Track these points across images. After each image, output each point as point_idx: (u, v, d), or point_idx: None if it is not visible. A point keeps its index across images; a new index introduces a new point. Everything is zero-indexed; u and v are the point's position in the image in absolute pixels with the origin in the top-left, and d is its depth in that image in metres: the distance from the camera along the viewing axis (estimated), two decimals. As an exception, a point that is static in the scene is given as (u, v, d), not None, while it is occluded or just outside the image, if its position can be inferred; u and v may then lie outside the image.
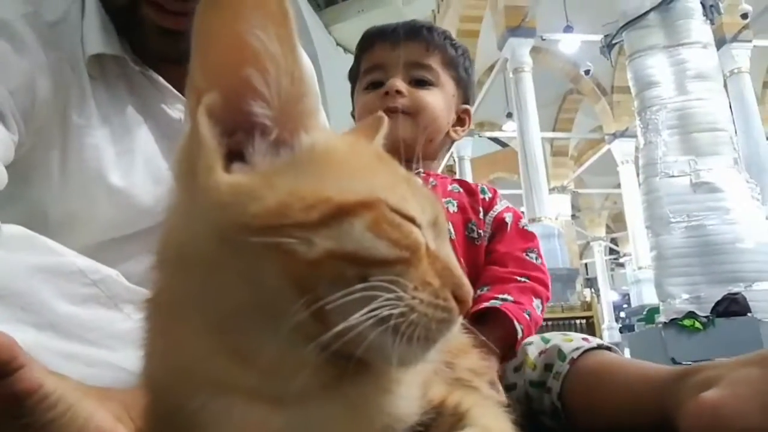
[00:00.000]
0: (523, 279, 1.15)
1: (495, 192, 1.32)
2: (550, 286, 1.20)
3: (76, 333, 1.00)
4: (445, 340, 0.48)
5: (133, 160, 1.14)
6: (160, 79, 1.14)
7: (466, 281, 0.48)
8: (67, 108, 1.08)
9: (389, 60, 1.27)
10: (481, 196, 1.29)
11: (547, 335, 1.06)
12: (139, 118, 1.15)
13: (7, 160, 1.01)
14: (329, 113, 1.56)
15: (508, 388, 1.00)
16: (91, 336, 1.02)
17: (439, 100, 1.27)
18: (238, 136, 0.48)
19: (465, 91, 1.35)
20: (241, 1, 0.46)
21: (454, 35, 1.38)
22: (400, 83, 1.22)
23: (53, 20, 1.06)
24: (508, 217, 1.26)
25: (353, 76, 1.39)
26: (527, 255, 1.21)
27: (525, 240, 1.24)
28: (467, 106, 1.36)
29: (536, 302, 1.14)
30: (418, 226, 0.48)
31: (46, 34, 1.05)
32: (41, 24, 1.05)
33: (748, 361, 0.75)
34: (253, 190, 0.45)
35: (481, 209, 1.27)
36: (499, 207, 1.28)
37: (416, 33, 1.27)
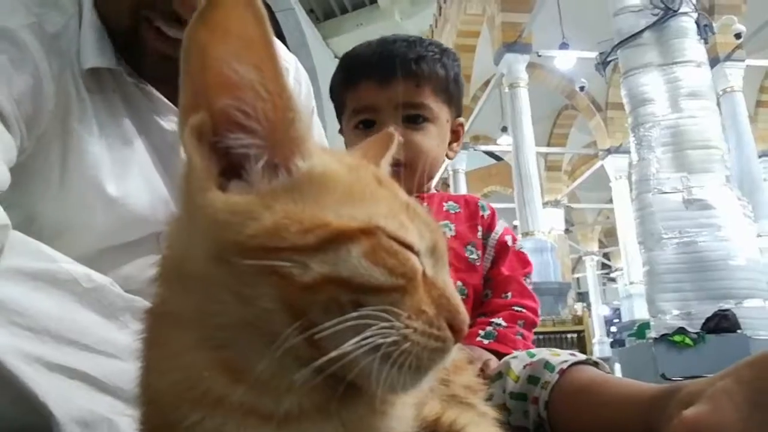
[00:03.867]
0: (519, 308, 1.21)
1: (493, 211, 1.32)
2: (539, 313, 1.27)
3: (72, 338, 1.00)
4: (438, 368, 0.48)
5: (128, 171, 1.15)
6: (154, 91, 1.15)
7: (462, 309, 0.48)
8: (68, 117, 1.09)
9: (379, 101, 1.20)
10: (481, 214, 1.30)
11: (533, 350, 1.07)
12: (133, 129, 1.15)
13: (10, 163, 1.01)
14: (327, 126, 1.56)
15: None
16: (87, 341, 1.02)
17: (434, 138, 1.23)
18: (234, 156, 0.48)
19: (457, 106, 1.31)
20: (224, 26, 0.45)
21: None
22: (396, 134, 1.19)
23: (54, 32, 1.07)
24: (509, 240, 1.29)
25: (337, 101, 1.32)
26: (525, 280, 1.26)
27: (523, 264, 1.28)
28: (460, 120, 1.33)
29: (520, 323, 1.20)
30: (416, 253, 0.48)
31: (48, 43, 1.06)
32: (44, 34, 1.05)
33: (725, 374, 0.75)
34: (249, 210, 0.45)
35: (480, 228, 1.28)
36: (499, 229, 1.29)
37: (405, 69, 1.19)
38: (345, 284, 0.44)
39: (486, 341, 1.14)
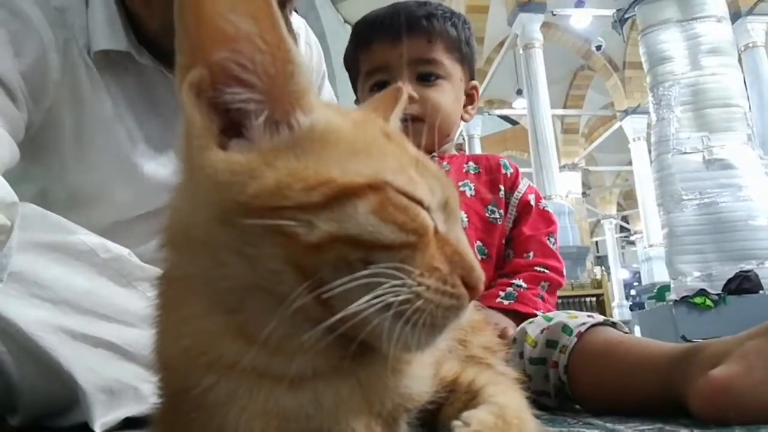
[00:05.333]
0: (541, 269, 1.20)
1: (517, 169, 1.32)
2: (564, 273, 1.25)
3: (91, 309, 1.02)
4: (453, 326, 0.46)
5: (147, 141, 1.15)
6: (164, 69, 1.14)
7: (477, 266, 0.46)
8: (78, 87, 1.08)
9: (392, 59, 1.21)
10: (503, 172, 1.29)
11: (549, 314, 1.06)
12: (144, 103, 1.15)
13: (19, 139, 1.01)
14: (338, 90, 1.54)
15: None
16: (106, 311, 1.03)
17: (448, 94, 1.23)
18: (234, 113, 0.46)
19: (470, 67, 1.31)
20: None
21: (463, 11, 1.34)
22: (409, 88, 1.18)
23: (58, 5, 1.07)
24: (532, 199, 1.28)
25: (351, 68, 1.33)
26: (548, 240, 1.24)
27: (547, 223, 1.27)
28: (474, 82, 1.33)
29: (543, 286, 1.19)
30: (427, 208, 0.46)
31: (53, 15, 1.05)
32: (47, 6, 1.05)
33: (755, 333, 0.73)
34: (251, 168, 0.44)
35: (502, 187, 1.27)
36: (522, 187, 1.29)
37: (416, 25, 1.20)
38: (353, 242, 0.42)
39: (506, 302, 1.14)
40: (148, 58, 1.10)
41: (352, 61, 1.32)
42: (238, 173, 0.44)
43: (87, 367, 0.98)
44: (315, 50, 1.43)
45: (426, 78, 1.22)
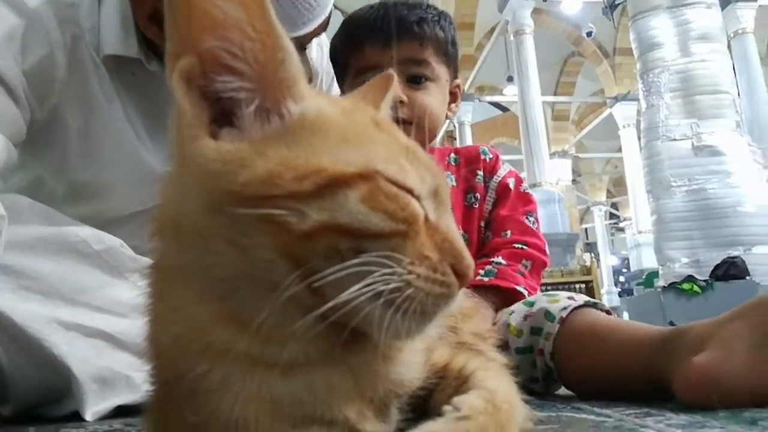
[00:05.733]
0: (519, 246, 1.22)
1: (497, 155, 1.35)
2: (547, 252, 1.26)
3: (83, 300, 1.02)
4: (443, 313, 0.47)
5: (152, 141, 1.15)
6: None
7: (467, 254, 0.47)
8: (87, 84, 1.08)
9: (383, 62, 1.20)
10: (482, 157, 1.33)
11: (530, 299, 1.08)
12: (152, 107, 1.15)
13: (19, 139, 1.01)
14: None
15: None
16: (98, 302, 1.03)
17: (436, 96, 1.26)
18: (224, 102, 0.46)
19: (455, 67, 1.34)
20: None
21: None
22: (401, 92, 1.19)
23: (69, 1, 1.05)
24: (511, 183, 1.30)
25: (339, 64, 1.33)
26: (527, 219, 1.26)
27: (525, 203, 1.29)
28: (457, 81, 1.36)
29: (525, 264, 1.20)
30: (417, 197, 0.46)
31: (62, 11, 1.03)
32: (59, 1, 1.03)
33: (733, 315, 0.75)
34: (242, 157, 0.44)
35: (481, 172, 1.31)
36: (502, 172, 1.32)
37: (408, 29, 1.23)
38: (344, 231, 0.43)
39: (486, 279, 1.15)
40: (156, 65, 1.10)
41: (341, 57, 1.32)
42: (228, 162, 0.44)
43: (79, 357, 0.98)
44: (326, 51, 1.43)
45: (415, 80, 1.24)
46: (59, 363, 0.96)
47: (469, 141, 12.51)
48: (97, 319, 1.02)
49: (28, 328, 0.94)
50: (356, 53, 1.26)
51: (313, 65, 1.43)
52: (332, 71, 1.44)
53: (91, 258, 1.05)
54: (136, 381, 0.99)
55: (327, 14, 1.08)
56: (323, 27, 1.10)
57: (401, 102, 1.19)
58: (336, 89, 1.47)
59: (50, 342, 0.96)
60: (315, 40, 1.37)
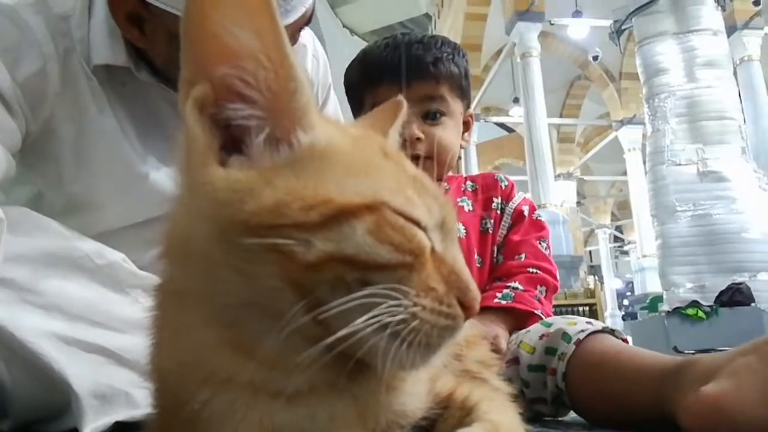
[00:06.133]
0: (534, 270, 1.24)
1: (512, 183, 1.39)
2: (557, 277, 1.29)
3: (84, 315, 1.01)
4: (448, 345, 0.47)
5: (146, 151, 1.15)
6: (163, 85, 1.13)
7: (473, 286, 0.47)
8: (78, 97, 1.08)
9: None
10: (500, 185, 1.36)
11: (548, 320, 1.08)
12: (145, 117, 1.15)
13: (15, 149, 1.01)
14: (339, 95, 1.54)
15: None
16: (98, 318, 1.02)
17: (451, 131, 1.28)
18: (234, 129, 0.46)
19: (468, 98, 1.36)
20: None
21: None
22: (417, 130, 1.21)
23: (61, 12, 1.06)
24: (526, 210, 1.34)
25: (355, 98, 1.35)
26: (540, 244, 1.29)
27: (538, 229, 1.32)
28: (470, 111, 1.38)
29: (541, 290, 1.22)
30: (424, 228, 0.46)
31: (54, 23, 1.04)
32: (49, 14, 1.04)
33: (746, 350, 0.74)
34: (250, 187, 0.44)
35: (499, 198, 1.34)
36: (517, 199, 1.35)
37: (424, 70, 1.25)
38: (350, 262, 0.43)
39: (504, 302, 1.17)
40: (146, 74, 1.10)
41: (357, 93, 1.34)
42: (237, 191, 0.44)
43: (80, 372, 0.98)
44: (321, 62, 1.43)
45: (432, 116, 1.26)
46: (59, 378, 0.96)
47: (474, 161, 12.53)
48: (97, 335, 1.01)
49: (28, 343, 0.94)
50: (372, 91, 1.28)
51: (309, 77, 1.42)
52: (329, 83, 1.45)
53: (93, 273, 1.05)
54: (135, 398, 0.98)
55: (307, 6, 1.06)
56: (306, 20, 1.08)
57: (418, 139, 1.21)
58: (333, 99, 1.48)
59: (50, 357, 0.95)
60: (310, 51, 1.38)
